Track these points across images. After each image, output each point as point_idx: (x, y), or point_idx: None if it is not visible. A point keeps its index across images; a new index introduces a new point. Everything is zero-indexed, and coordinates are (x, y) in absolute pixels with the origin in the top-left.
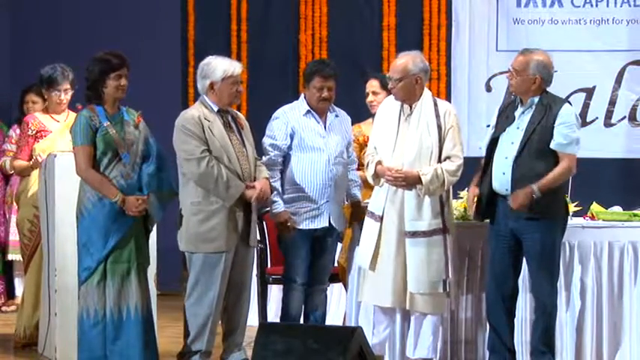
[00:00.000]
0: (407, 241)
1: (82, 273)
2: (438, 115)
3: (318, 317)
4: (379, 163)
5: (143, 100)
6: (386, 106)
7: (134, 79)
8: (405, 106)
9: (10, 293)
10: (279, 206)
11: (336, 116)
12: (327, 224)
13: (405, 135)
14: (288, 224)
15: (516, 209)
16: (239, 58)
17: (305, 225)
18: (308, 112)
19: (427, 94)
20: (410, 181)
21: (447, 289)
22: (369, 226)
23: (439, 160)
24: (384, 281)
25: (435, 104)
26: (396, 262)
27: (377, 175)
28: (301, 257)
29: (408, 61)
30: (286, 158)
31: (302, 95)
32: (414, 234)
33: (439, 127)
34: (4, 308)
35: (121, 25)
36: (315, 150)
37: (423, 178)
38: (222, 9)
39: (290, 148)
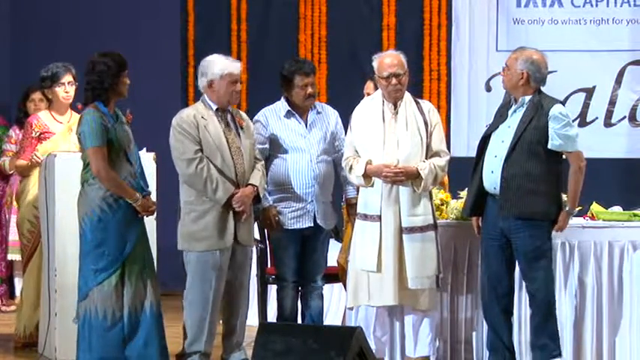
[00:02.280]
0: (404, 237)
1: (96, 275)
2: (422, 113)
3: (315, 316)
4: (369, 163)
5: (143, 100)
6: (364, 109)
7: (134, 79)
8: (388, 105)
9: (10, 293)
10: (265, 202)
11: (318, 113)
12: (312, 224)
13: (393, 133)
14: (275, 220)
15: (559, 231)
16: (239, 58)
17: (290, 225)
18: (288, 112)
19: (407, 93)
20: (409, 177)
21: (440, 285)
22: (367, 228)
23: (427, 157)
24: (387, 280)
25: (417, 102)
26: (395, 260)
27: (367, 175)
28: (290, 256)
29: (399, 55)
30: (269, 160)
31: (282, 97)
32: (411, 229)
33: (426, 123)
34: (4, 308)
35: (121, 25)
36: (296, 150)
37: (421, 173)
38: (222, 9)
39: (270, 150)
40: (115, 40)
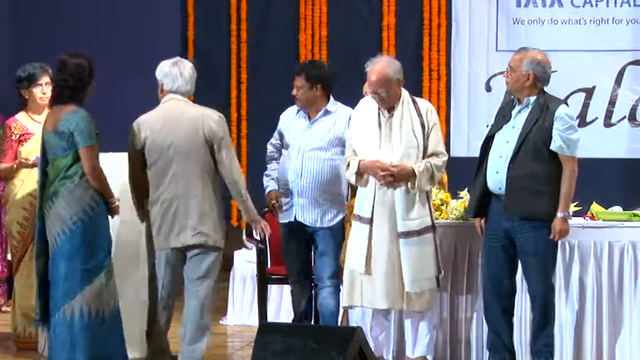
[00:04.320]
0: (400, 242)
1: (89, 274)
2: (419, 114)
3: (325, 316)
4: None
5: (143, 100)
6: (362, 109)
7: (134, 79)
8: (385, 108)
9: (10, 293)
10: (269, 187)
11: (326, 112)
12: (293, 219)
13: (388, 135)
14: (272, 203)
15: (561, 237)
16: (239, 58)
17: (280, 219)
18: (299, 110)
19: (405, 93)
20: (404, 174)
21: (439, 285)
22: (358, 229)
23: (424, 158)
24: (379, 284)
25: (415, 102)
26: (389, 264)
27: (360, 174)
28: (289, 252)
29: (384, 70)
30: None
31: None
32: (408, 234)
33: (422, 125)
34: (4, 308)
35: (121, 25)
36: (291, 147)
37: (416, 171)
38: (222, 9)
39: (281, 146)
40: (115, 40)
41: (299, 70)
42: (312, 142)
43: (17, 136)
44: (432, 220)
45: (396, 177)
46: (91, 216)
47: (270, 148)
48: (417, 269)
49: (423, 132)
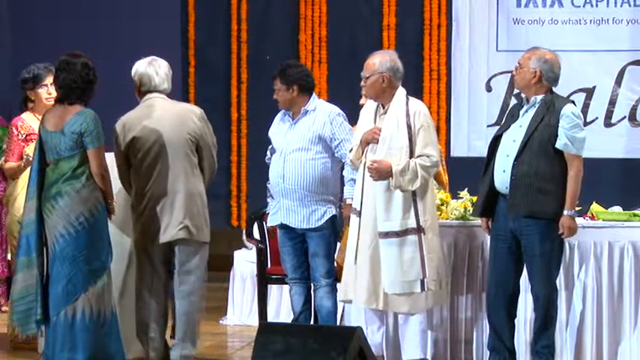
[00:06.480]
0: (380, 242)
1: (93, 275)
2: (408, 115)
3: (323, 317)
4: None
5: None
6: (367, 107)
7: None
8: (381, 105)
9: (9, 293)
10: (269, 206)
11: (306, 113)
12: (280, 222)
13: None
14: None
15: (569, 235)
16: (239, 58)
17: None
18: (285, 113)
19: (400, 93)
20: (382, 169)
21: (425, 289)
22: (352, 221)
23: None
24: (360, 279)
25: (407, 103)
26: (370, 261)
27: (360, 149)
28: (285, 253)
29: (376, 60)
30: None
31: None
32: (387, 234)
33: (408, 126)
34: (4, 308)
35: (121, 25)
36: (277, 150)
37: (393, 168)
38: (222, 9)
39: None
40: (115, 40)
41: (275, 73)
42: (293, 144)
43: (23, 135)
44: (419, 222)
45: (376, 171)
46: (96, 217)
47: (268, 154)
48: (396, 271)
49: (409, 133)
